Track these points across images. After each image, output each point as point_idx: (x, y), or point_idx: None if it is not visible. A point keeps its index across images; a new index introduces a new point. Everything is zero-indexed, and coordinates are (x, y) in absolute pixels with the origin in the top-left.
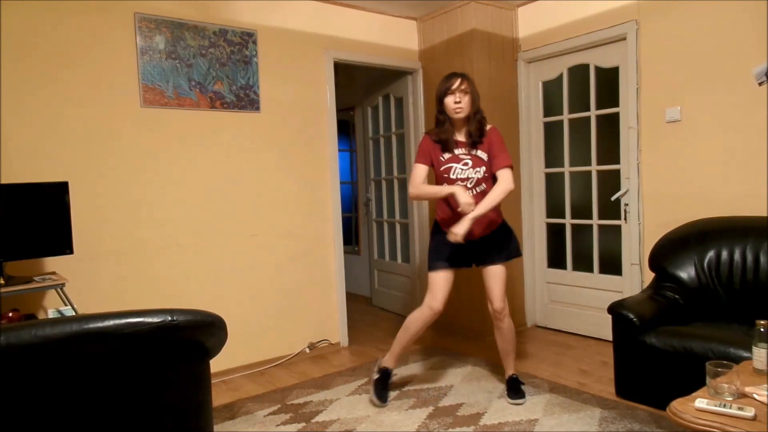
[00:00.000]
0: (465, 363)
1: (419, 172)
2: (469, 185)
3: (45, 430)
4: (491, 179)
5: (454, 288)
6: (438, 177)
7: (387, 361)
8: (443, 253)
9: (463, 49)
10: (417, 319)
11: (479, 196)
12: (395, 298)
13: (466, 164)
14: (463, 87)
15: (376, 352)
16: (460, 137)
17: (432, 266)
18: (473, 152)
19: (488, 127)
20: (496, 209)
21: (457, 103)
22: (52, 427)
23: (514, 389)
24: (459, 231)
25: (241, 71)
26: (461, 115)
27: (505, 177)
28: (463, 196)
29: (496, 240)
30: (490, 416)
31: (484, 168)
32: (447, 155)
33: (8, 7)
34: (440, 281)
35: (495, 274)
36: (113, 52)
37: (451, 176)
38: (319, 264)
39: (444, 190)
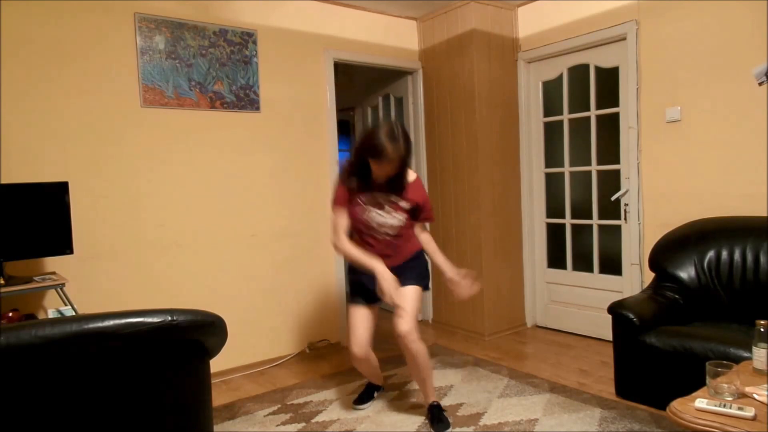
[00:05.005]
0: (465, 363)
1: (342, 220)
2: (390, 233)
3: (45, 430)
4: (409, 227)
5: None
6: (354, 220)
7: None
8: (361, 291)
9: (463, 49)
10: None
11: (395, 240)
12: None
13: (387, 211)
14: (396, 161)
15: (376, 352)
16: (379, 181)
17: (354, 299)
18: (393, 198)
19: (413, 177)
20: (416, 243)
21: (383, 172)
22: (52, 427)
23: (437, 418)
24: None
25: (241, 71)
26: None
27: (427, 228)
28: (389, 282)
29: (409, 266)
30: (490, 416)
31: (405, 216)
32: (363, 198)
33: (8, 6)
34: (358, 318)
35: (405, 295)
36: (113, 52)
37: (371, 223)
38: (318, 264)
39: (373, 265)
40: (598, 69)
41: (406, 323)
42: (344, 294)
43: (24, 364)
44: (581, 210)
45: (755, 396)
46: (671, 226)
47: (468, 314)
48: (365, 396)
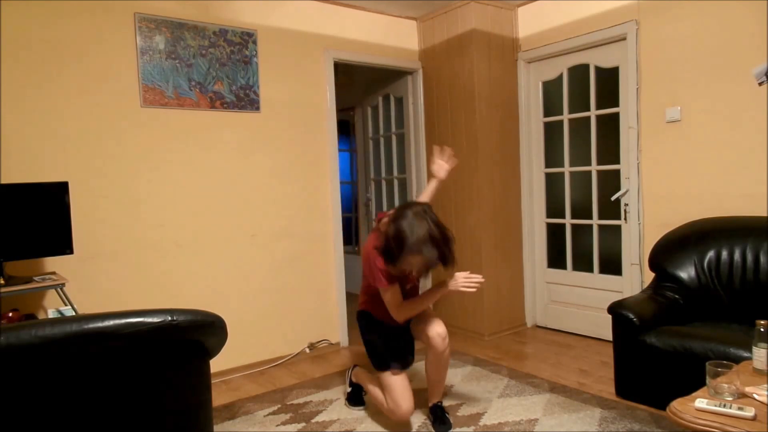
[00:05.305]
0: (465, 363)
1: (398, 291)
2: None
3: (45, 430)
4: None
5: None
6: (405, 281)
7: (359, 378)
8: (395, 354)
9: (463, 49)
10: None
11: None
12: None
13: None
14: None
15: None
16: None
17: (392, 366)
18: None
19: None
20: None
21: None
22: (52, 427)
23: (440, 419)
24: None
25: (241, 71)
26: None
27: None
28: (460, 275)
29: None
30: (490, 416)
31: None
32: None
33: (8, 6)
34: (402, 386)
35: (427, 311)
36: (113, 52)
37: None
38: (319, 264)
39: (435, 290)
40: (598, 69)
41: (444, 328)
42: (344, 295)
43: (24, 364)
44: (581, 210)
45: (755, 396)
46: (671, 226)
47: (468, 314)
48: (357, 395)
